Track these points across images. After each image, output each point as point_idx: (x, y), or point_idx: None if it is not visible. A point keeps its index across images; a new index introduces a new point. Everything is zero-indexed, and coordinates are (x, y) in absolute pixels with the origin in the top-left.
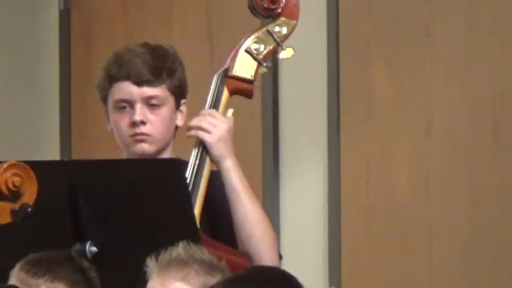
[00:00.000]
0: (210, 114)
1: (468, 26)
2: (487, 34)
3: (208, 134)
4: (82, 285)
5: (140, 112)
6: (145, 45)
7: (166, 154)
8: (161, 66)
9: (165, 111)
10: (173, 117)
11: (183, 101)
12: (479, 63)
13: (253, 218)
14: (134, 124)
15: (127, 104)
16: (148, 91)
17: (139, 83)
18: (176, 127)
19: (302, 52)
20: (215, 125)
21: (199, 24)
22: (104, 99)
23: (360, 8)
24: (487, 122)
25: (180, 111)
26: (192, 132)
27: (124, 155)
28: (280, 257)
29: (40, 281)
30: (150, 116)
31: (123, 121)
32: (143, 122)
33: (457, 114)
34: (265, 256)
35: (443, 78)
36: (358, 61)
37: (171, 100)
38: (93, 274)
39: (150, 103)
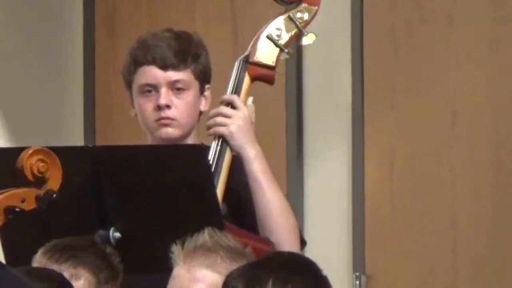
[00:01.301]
0: (228, 102)
1: (491, 13)
2: (511, 21)
3: (224, 127)
4: (105, 270)
5: (165, 96)
6: (170, 30)
7: (190, 139)
8: (186, 51)
9: (190, 95)
10: (197, 102)
11: (207, 86)
12: (503, 51)
13: (275, 207)
14: (159, 108)
15: (152, 88)
16: (173, 75)
17: (164, 67)
18: (200, 113)
19: (326, 40)
20: (230, 115)
21: (223, 11)
22: (129, 84)
23: None
24: None
25: (204, 96)
26: (211, 131)
27: (149, 140)
28: (305, 243)
29: (62, 267)
30: (175, 100)
31: (148, 106)
32: (168, 106)
33: (482, 103)
34: (287, 245)
35: (467, 66)
36: (382, 49)
37: (195, 84)
38: (116, 259)
39: (175, 87)
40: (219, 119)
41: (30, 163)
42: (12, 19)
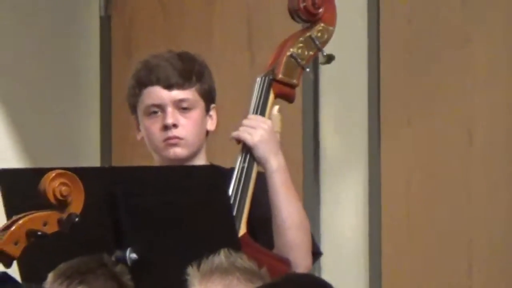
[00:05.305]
0: (248, 119)
1: (508, 32)
2: None
3: (248, 135)
4: None
5: (171, 115)
6: (171, 51)
7: (199, 159)
8: (190, 70)
9: (196, 114)
10: (203, 121)
11: (212, 105)
12: None
13: (292, 223)
14: (166, 127)
15: (158, 109)
16: (178, 94)
17: (169, 86)
18: (207, 132)
19: (343, 59)
20: (254, 127)
21: (239, 31)
22: (134, 107)
23: (401, 15)
24: None
25: (210, 116)
26: (234, 134)
27: (156, 162)
28: (320, 254)
29: None
30: (182, 119)
31: (155, 126)
32: (175, 125)
33: (499, 121)
34: (300, 262)
35: (484, 85)
36: (399, 68)
37: (201, 103)
38: (127, 277)
39: (181, 107)
40: (242, 128)
41: (53, 187)
42: (29, 40)
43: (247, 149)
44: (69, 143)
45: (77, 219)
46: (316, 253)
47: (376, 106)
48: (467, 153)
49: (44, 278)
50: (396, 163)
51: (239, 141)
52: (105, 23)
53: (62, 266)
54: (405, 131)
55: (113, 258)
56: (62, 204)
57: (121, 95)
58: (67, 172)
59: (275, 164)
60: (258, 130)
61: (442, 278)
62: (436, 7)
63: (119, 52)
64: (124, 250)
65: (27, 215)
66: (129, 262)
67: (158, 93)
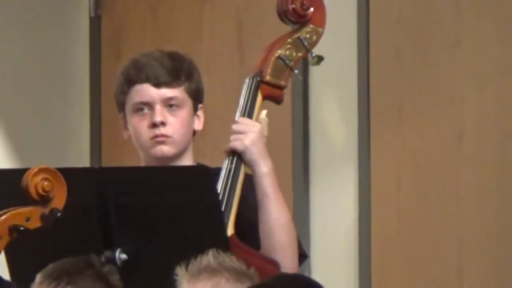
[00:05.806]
0: (237, 124)
1: (499, 34)
2: None
3: (238, 142)
4: None
5: (160, 113)
6: (161, 50)
7: (186, 158)
8: (179, 68)
9: (184, 112)
10: (191, 120)
11: (200, 105)
12: (509, 72)
13: (280, 225)
14: (154, 125)
15: (147, 107)
16: (167, 92)
17: (157, 84)
18: (194, 132)
19: (333, 61)
20: (244, 131)
21: (229, 32)
22: (122, 105)
23: (391, 17)
24: None
25: (198, 115)
26: (226, 148)
27: (142, 160)
28: (306, 257)
29: None
30: (169, 117)
31: (143, 124)
32: (163, 123)
33: (488, 124)
34: (287, 264)
35: (474, 87)
36: (389, 69)
37: (189, 102)
38: (115, 277)
39: (169, 104)
40: (233, 137)
41: (35, 182)
42: (18, 41)
43: (237, 155)
44: (58, 144)
45: (59, 214)
46: (302, 256)
47: (366, 108)
48: (457, 153)
49: (34, 278)
50: (386, 165)
51: (232, 152)
52: (95, 23)
53: (50, 267)
54: (395, 133)
55: (102, 259)
56: (44, 199)
57: (111, 96)
58: (49, 167)
59: (265, 167)
60: (249, 134)
61: (433, 278)
62: (426, 9)
63: (109, 52)
64: (113, 250)
65: (10, 211)
66: (118, 263)
67: (146, 91)
